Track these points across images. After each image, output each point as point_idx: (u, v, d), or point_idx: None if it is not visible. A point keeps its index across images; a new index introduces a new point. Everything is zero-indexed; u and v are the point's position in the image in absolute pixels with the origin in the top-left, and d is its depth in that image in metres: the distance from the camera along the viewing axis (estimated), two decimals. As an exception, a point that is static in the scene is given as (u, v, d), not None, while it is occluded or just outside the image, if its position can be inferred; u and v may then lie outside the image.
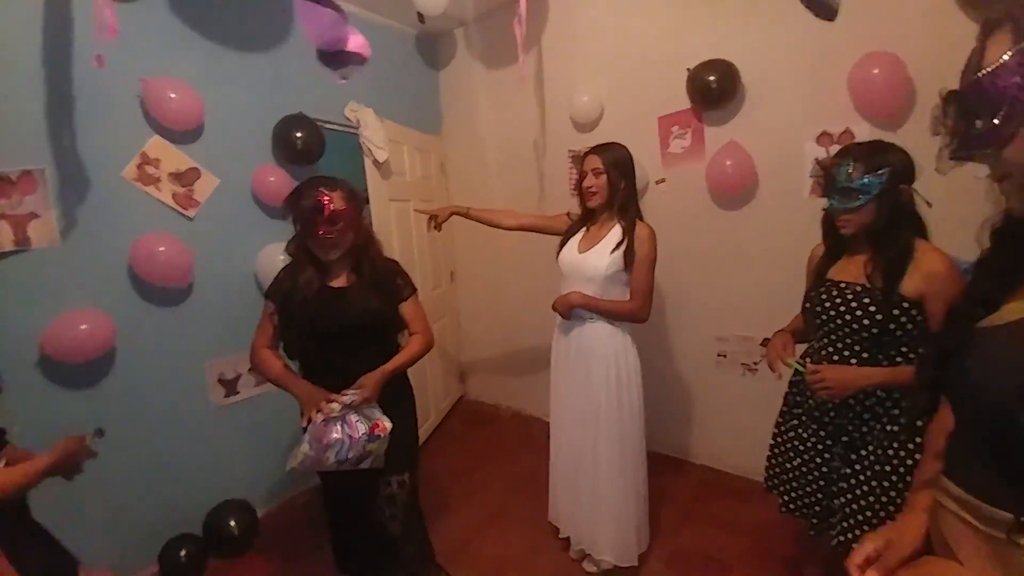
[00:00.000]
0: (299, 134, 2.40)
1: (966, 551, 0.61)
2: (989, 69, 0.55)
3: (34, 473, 1.16)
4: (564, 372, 1.87)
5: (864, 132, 2.00)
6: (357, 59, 1.88)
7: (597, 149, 1.77)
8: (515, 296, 3.26)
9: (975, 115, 0.56)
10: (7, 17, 1.68)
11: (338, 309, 1.51)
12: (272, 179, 2.36)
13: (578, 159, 2.76)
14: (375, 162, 2.58)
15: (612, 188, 1.73)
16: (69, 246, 1.81)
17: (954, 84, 1.69)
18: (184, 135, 2.10)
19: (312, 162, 2.52)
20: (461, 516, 2.35)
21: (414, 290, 1.67)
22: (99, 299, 1.86)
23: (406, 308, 1.63)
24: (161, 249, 1.95)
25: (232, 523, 2.13)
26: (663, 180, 2.55)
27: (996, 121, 0.54)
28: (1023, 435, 0.53)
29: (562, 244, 1.86)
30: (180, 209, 2.10)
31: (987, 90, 0.55)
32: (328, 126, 2.62)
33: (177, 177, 2.09)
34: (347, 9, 2.70)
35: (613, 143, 1.80)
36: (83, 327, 1.75)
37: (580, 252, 1.79)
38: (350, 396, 1.44)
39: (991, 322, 0.61)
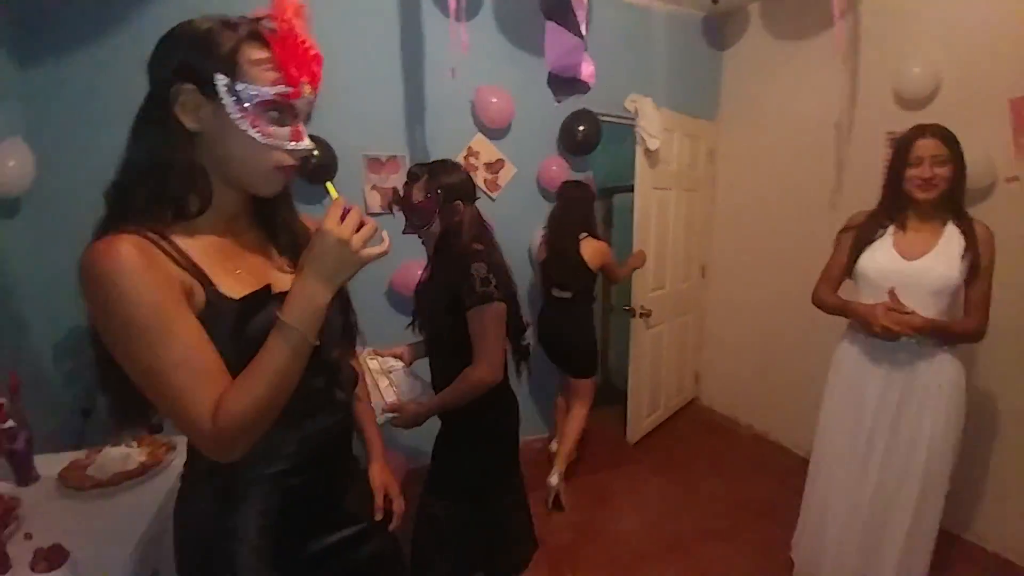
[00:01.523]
0: (581, 127, 2.67)
1: None
2: None
3: None
4: (872, 406, 1.53)
5: None
6: (583, 87, 1.91)
7: (936, 130, 1.42)
8: (773, 304, 2.91)
9: None
10: (374, 35, 2.30)
11: (417, 307, 1.47)
12: (554, 168, 2.71)
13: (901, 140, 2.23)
14: (646, 151, 2.65)
15: (955, 180, 1.41)
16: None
17: None
18: (497, 132, 2.60)
19: (588, 151, 2.77)
20: (682, 521, 2.27)
21: (484, 300, 1.27)
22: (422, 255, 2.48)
23: (471, 321, 1.29)
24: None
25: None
26: (1016, 178, 1.86)
27: None
28: None
29: (860, 249, 1.54)
30: (488, 192, 2.63)
31: None
32: (606, 118, 2.81)
33: (489, 166, 2.62)
34: (636, 3, 2.85)
35: (943, 126, 1.43)
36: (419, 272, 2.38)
37: (909, 259, 1.46)
38: (395, 367, 1.43)
39: None
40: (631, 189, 2.75)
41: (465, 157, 2.54)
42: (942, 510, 1.48)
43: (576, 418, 2.45)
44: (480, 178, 2.59)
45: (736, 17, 3.06)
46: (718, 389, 3.41)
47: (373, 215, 2.33)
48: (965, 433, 1.49)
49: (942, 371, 1.44)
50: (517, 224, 2.71)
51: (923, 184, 1.41)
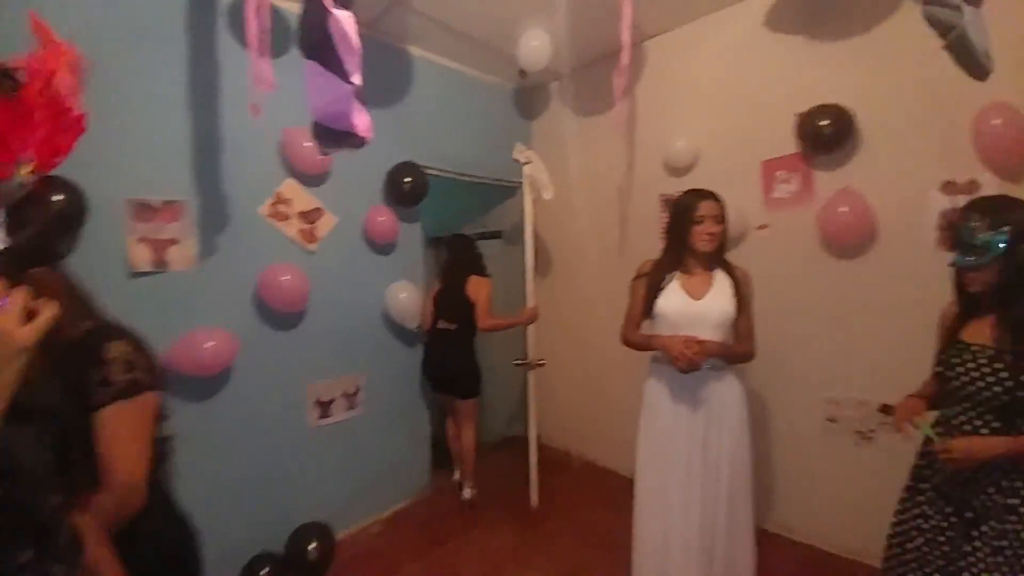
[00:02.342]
0: (407, 179, 2.64)
1: None
2: None
3: None
4: (684, 428, 1.70)
5: (990, 183, 1.81)
6: (357, 141, 1.63)
7: (713, 195, 1.72)
8: (589, 340, 3.21)
9: None
10: (158, 63, 1.91)
11: None
12: (382, 219, 2.59)
13: (671, 203, 2.72)
14: (534, 200, 2.72)
15: (725, 235, 1.73)
16: (203, 270, 2.04)
17: None
18: (314, 178, 2.37)
19: (417, 203, 2.74)
20: (533, 566, 2.25)
21: (121, 394, 0.89)
22: (225, 320, 2.07)
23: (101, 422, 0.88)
24: (284, 278, 2.17)
25: (312, 547, 2.16)
26: (765, 226, 2.43)
27: None
28: None
29: (653, 292, 1.77)
30: (303, 243, 2.35)
31: None
32: (430, 171, 2.85)
33: (304, 215, 2.35)
34: (453, 68, 3.04)
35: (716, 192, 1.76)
36: (209, 344, 1.96)
37: (696, 298, 1.71)
38: None
39: None
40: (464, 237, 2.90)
41: (273, 204, 2.24)
42: (752, 513, 1.71)
43: (469, 436, 2.78)
44: (294, 228, 2.31)
45: (540, 92, 3.48)
46: (549, 425, 3.54)
47: (141, 274, 1.87)
48: (763, 446, 1.78)
49: (730, 390, 1.70)
50: (347, 276, 2.50)
51: (708, 238, 1.69)
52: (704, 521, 1.67)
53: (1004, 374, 1.14)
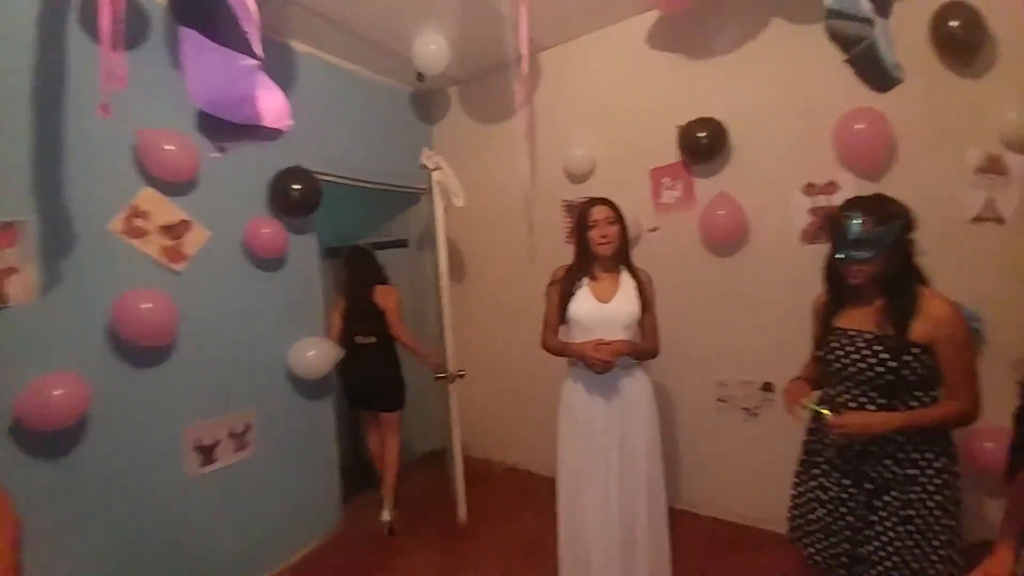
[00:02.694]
0: (296, 186, 2.39)
1: None
2: None
3: None
4: (600, 425, 1.77)
5: (848, 182, 2.12)
6: (266, 133, 1.26)
7: (604, 200, 1.82)
8: (507, 346, 3.21)
9: None
10: None
11: None
12: (266, 231, 2.31)
13: (573, 209, 2.83)
14: (445, 208, 2.59)
15: (622, 237, 1.79)
16: (48, 303, 1.69)
17: (936, 137, 1.82)
18: (178, 186, 2.05)
19: (309, 212, 2.50)
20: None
21: None
22: (75, 361, 1.73)
23: None
24: (144, 306, 1.84)
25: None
26: (656, 228, 2.62)
27: None
28: None
29: (565, 298, 1.83)
30: (167, 263, 2.01)
31: None
32: (325, 177, 2.63)
33: (167, 230, 2.01)
34: (346, 68, 2.85)
35: (607, 198, 1.85)
36: (57, 392, 1.61)
37: (603, 302, 1.78)
38: None
39: None
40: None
41: (127, 218, 1.89)
42: (666, 499, 1.81)
43: (393, 449, 2.76)
44: (154, 245, 1.96)
45: (440, 96, 3.40)
46: (467, 434, 3.49)
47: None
48: (665, 430, 1.89)
49: (641, 384, 1.80)
50: (227, 300, 2.20)
51: (603, 241, 1.77)
52: (624, 513, 1.74)
53: (885, 355, 1.25)
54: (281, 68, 2.51)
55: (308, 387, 2.53)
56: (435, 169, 2.50)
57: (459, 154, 3.27)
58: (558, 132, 2.88)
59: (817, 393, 1.46)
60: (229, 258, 2.24)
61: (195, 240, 2.09)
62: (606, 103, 2.73)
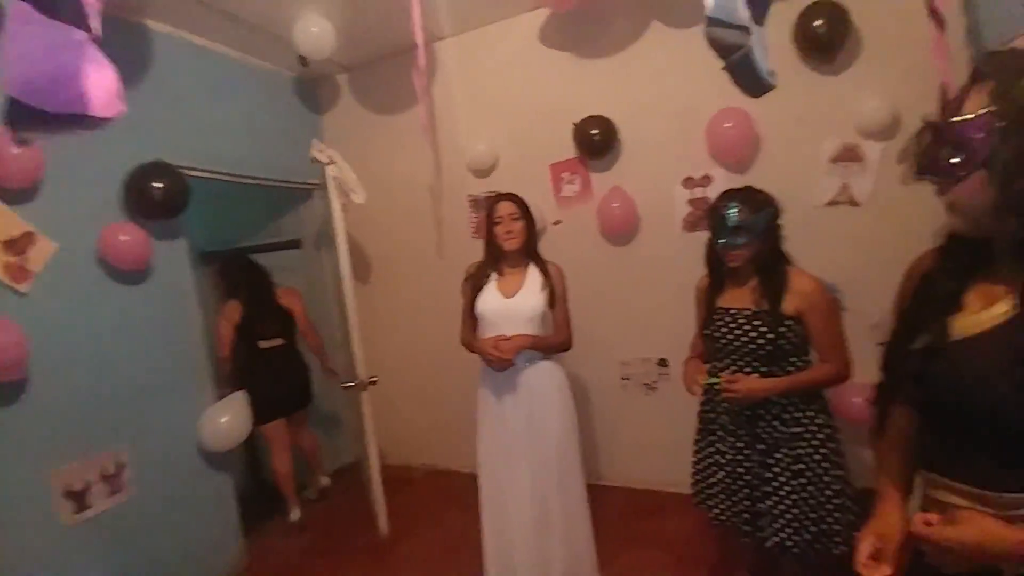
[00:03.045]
0: (157, 184, 2.09)
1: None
2: (962, 118, 0.65)
3: None
4: (510, 419, 1.81)
5: (720, 176, 2.37)
6: (90, 121, 0.98)
7: (508, 196, 1.84)
8: (423, 347, 3.14)
9: (942, 149, 0.68)
10: None
11: None
12: (124, 238, 2.00)
13: (478, 204, 2.82)
14: (344, 205, 2.38)
15: (528, 231, 1.82)
16: None
17: (795, 131, 2.06)
18: (16, 193, 1.69)
19: (176, 214, 2.20)
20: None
21: None
22: None
23: None
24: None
25: None
26: (559, 221, 2.72)
27: (954, 161, 0.66)
28: None
29: (476, 294, 1.85)
30: (11, 283, 1.67)
31: (956, 134, 0.66)
32: (193, 172, 2.31)
33: (8, 245, 1.66)
34: (216, 51, 2.52)
35: (513, 192, 1.88)
36: None
37: (508, 296, 1.81)
38: None
39: (964, 332, 0.72)
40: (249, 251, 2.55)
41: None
42: (584, 487, 1.88)
43: (311, 437, 2.92)
44: (-11, 264, 1.60)
45: (328, 83, 3.16)
46: (384, 441, 3.35)
47: None
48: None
49: (550, 376, 1.84)
50: (83, 323, 1.90)
51: (508, 236, 1.79)
52: (537, 501, 1.79)
53: (763, 328, 1.43)
54: (136, 51, 2.17)
55: (187, 415, 2.24)
56: (329, 163, 2.33)
57: (353, 146, 3.07)
58: (459, 125, 2.85)
59: (707, 366, 1.62)
60: (82, 272, 1.91)
61: (40, 254, 1.75)
62: (506, 98, 2.75)
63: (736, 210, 1.44)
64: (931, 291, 0.77)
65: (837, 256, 2.17)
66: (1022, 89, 0.62)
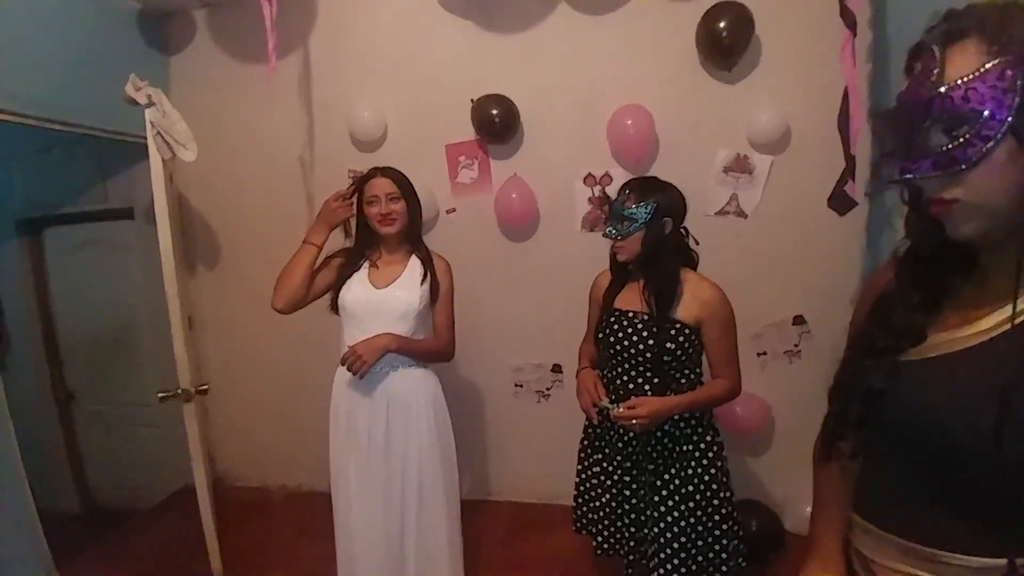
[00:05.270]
0: None
1: None
2: (959, 81, 0.50)
3: None
4: (366, 433, 1.55)
5: (619, 176, 2.27)
6: None
7: (384, 171, 1.57)
8: (274, 351, 2.66)
9: (929, 133, 0.52)
10: None
11: None
12: None
13: (360, 180, 2.45)
14: (167, 162, 1.88)
15: (410, 214, 1.57)
16: None
17: (692, 136, 2.00)
18: None
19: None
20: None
21: None
22: None
23: None
24: None
25: None
26: (453, 210, 2.45)
27: (961, 140, 0.50)
28: (1005, 470, 0.49)
29: (340, 283, 1.57)
30: None
31: (955, 106, 0.50)
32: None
33: None
34: None
35: (392, 167, 1.62)
36: None
37: (379, 287, 1.53)
38: None
39: (921, 354, 0.59)
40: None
41: None
42: (458, 500, 1.66)
43: None
44: None
45: (180, 19, 2.57)
46: (239, 460, 2.85)
47: None
48: (462, 422, 1.75)
49: (419, 385, 1.58)
50: None
51: (382, 219, 1.52)
52: (390, 529, 1.56)
53: (645, 333, 1.31)
54: None
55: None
56: (147, 105, 1.82)
57: (206, 98, 2.54)
58: (340, 87, 2.45)
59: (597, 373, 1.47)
60: None
61: None
62: (396, 60, 2.40)
63: (623, 199, 1.32)
64: (887, 320, 0.63)
65: (723, 265, 2.16)
66: None
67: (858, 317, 0.72)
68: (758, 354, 2.24)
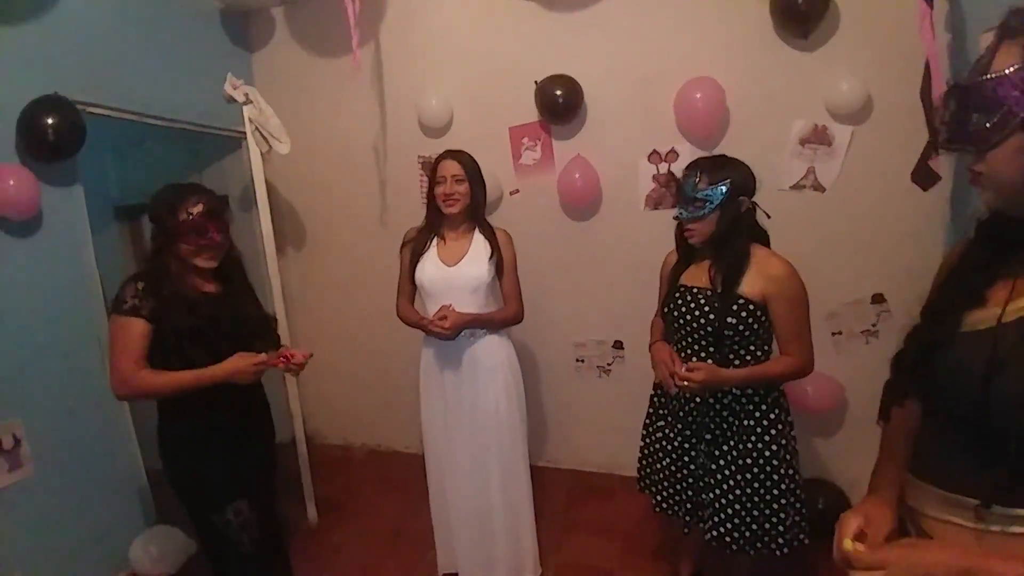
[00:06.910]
0: (50, 121, 1.78)
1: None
2: (994, 75, 0.58)
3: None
4: (451, 397, 1.70)
5: (686, 152, 2.23)
6: None
7: (454, 154, 1.68)
8: (359, 321, 2.90)
9: (971, 113, 0.60)
10: None
11: None
12: (11, 182, 1.72)
13: (428, 165, 2.58)
14: (264, 154, 2.10)
15: (473, 195, 1.67)
16: None
17: (766, 108, 1.93)
18: None
19: (67, 156, 1.89)
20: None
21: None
22: None
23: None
24: None
25: None
26: (517, 191, 2.53)
27: (988, 125, 0.58)
28: None
29: (416, 262, 1.70)
30: None
31: (988, 95, 0.58)
32: (96, 110, 1.99)
33: None
34: None
35: (463, 150, 1.72)
36: None
37: (450, 265, 1.66)
38: None
39: (973, 326, 0.64)
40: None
41: None
42: (527, 462, 1.79)
43: None
44: None
45: (261, 17, 2.77)
46: (325, 421, 3.16)
47: None
48: (528, 392, 1.85)
49: (497, 350, 1.72)
50: None
51: (447, 199, 1.63)
52: (476, 481, 1.71)
53: (707, 309, 1.33)
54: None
55: (91, 384, 1.96)
56: (245, 103, 2.02)
57: (287, 92, 2.73)
58: (410, 77, 2.56)
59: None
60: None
61: None
62: (464, 48, 2.47)
63: (695, 180, 1.31)
64: (953, 284, 0.69)
65: (797, 241, 2.10)
66: None
67: (933, 289, 0.78)
68: (832, 333, 2.17)
